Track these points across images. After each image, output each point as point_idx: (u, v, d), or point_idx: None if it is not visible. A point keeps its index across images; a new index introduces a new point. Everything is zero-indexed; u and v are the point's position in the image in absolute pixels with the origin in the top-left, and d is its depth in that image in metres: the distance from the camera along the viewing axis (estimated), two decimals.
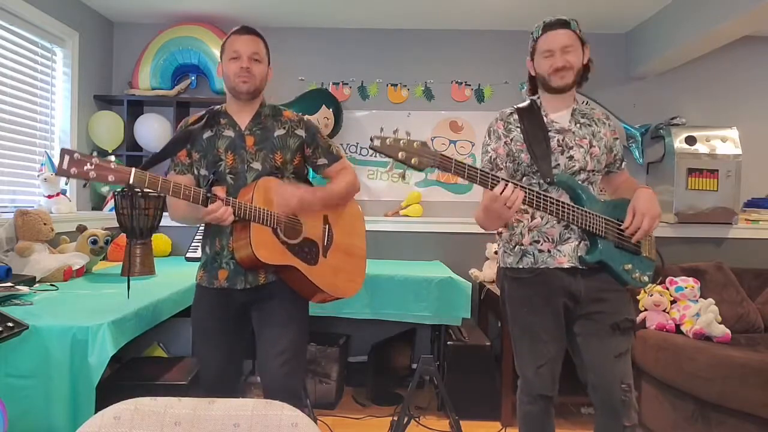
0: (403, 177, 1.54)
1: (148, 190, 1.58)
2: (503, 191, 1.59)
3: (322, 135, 1.97)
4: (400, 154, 1.49)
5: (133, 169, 1.54)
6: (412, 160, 1.50)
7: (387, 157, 1.51)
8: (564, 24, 1.84)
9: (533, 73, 1.94)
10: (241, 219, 1.70)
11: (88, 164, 1.48)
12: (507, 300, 1.97)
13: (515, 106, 1.96)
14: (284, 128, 1.89)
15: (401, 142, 1.49)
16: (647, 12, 3.47)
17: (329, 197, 1.95)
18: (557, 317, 1.87)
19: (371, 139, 1.49)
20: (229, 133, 1.85)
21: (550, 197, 1.72)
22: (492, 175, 1.63)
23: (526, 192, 1.65)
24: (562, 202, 1.74)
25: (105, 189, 3.61)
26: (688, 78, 3.82)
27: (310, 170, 2.04)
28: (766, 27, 3.60)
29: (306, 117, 1.97)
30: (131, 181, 1.53)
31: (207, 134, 1.85)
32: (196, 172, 1.87)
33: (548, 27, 1.85)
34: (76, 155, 1.48)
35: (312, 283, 1.87)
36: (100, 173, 1.49)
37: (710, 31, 2.96)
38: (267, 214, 1.76)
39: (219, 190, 1.69)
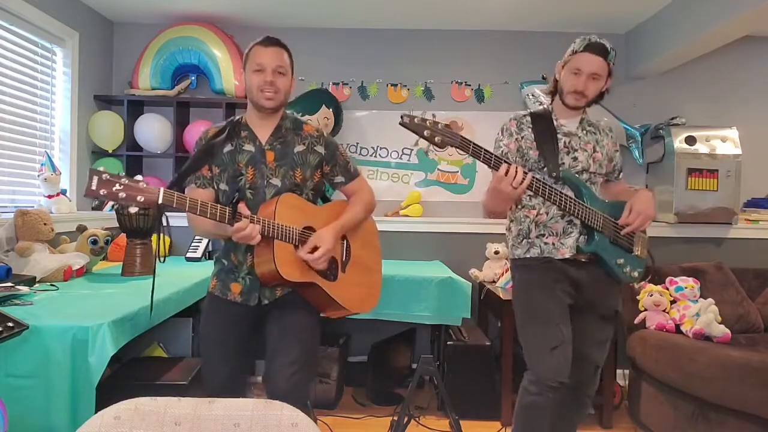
0: (426, 154, 1.66)
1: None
2: (507, 171, 1.73)
3: (342, 152, 1.97)
4: (425, 132, 1.63)
5: (162, 189, 1.54)
6: (436, 139, 1.64)
7: (413, 133, 1.65)
8: (604, 52, 1.93)
9: (558, 78, 2.04)
10: (264, 236, 1.69)
11: (117, 185, 1.46)
12: (519, 285, 2.08)
13: (530, 111, 2.11)
14: (304, 144, 1.88)
15: (427, 122, 1.64)
16: (647, 12, 3.47)
17: (350, 224, 1.94)
18: (565, 302, 1.99)
19: (401, 117, 1.63)
20: (250, 147, 1.83)
21: (555, 188, 1.85)
22: (505, 159, 1.77)
23: (533, 179, 1.78)
24: (565, 194, 1.88)
25: None
26: (688, 78, 3.82)
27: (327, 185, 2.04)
28: (766, 27, 3.60)
29: (325, 133, 1.96)
30: (160, 201, 1.52)
31: (227, 148, 1.83)
32: (216, 186, 1.86)
33: (590, 47, 1.93)
34: (104, 176, 1.45)
35: (332, 299, 1.86)
36: (129, 194, 1.48)
37: (710, 31, 2.96)
38: (289, 231, 1.75)
39: (244, 208, 1.68)
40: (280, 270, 1.70)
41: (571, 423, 2.15)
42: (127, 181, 1.48)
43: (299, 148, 1.87)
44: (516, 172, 1.73)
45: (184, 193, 1.86)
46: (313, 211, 1.88)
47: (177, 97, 3.76)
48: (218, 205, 1.64)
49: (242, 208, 1.67)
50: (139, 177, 1.54)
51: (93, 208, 3.62)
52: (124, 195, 1.47)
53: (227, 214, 1.64)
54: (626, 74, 3.85)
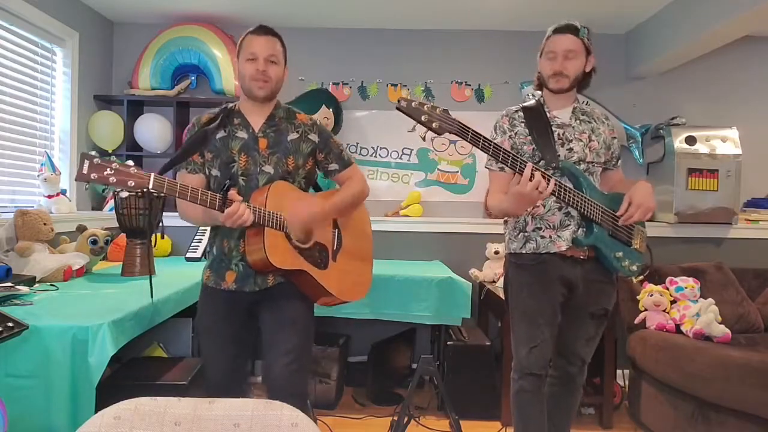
0: (423, 138, 1.66)
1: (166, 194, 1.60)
2: (532, 176, 1.70)
3: (335, 140, 1.98)
4: (423, 117, 1.60)
5: (152, 174, 1.54)
6: (433, 124, 1.62)
7: (410, 118, 1.61)
8: (572, 30, 1.95)
9: (540, 70, 2.05)
10: (254, 223, 1.71)
11: (108, 169, 1.47)
12: (510, 284, 2.09)
13: (521, 105, 2.08)
14: (297, 132, 1.89)
15: (425, 106, 1.61)
16: (647, 12, 3.47)
17: (339, 206, 1.94)
18: (554, 303, 1.99)
19: (398, 101, 1.60)
20: (243, 134, 1.84)
21: (554, 179, 1.81)
22: (504, 150, 1.73)
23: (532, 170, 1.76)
24: (565, 186, 1.84)
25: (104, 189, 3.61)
26: (688, 78, 3.82)
27: (320, 174, 2.05)
28: (766, 27, 3.60)
29: (318, 121, 1.97)
30: (150, 187, 1.53)
31: (220, 134, 1.84)
32: (207, 172, 1.86)
33: (557, 30, 1.97)
34: (96, 160, 1.46)
35: (322, 287, 1.88)
36: (120, 178, 1.49)
37: (710, 31, 2.96)
38: (280, 218, 1.76)
39: (235, 195, 1.69)
40: (270, 257, 1.71)
41: (567, 409, 2.19)
42: (118, 166, 1.49)
43: (293, 136, 1.88)
44: (541, 177, 1.71)
45: (174, 179, 1.87)
46: (305, 199, 1.88)
47: (177, 97, 3.76)
48: (209, 192, 1.65)
49: (233, 194, 1.68)
50: (130, 162, 1.55)
51: (93, 208, 3.62)
52: (115, 179, 1.48)
53: (217, 200, 1.65)
54: (626, 74, 3.85)
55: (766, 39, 3.80)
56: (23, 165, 3.10)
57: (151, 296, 2.08)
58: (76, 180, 1.47)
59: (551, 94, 2.03)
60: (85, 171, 1.45)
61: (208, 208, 1.65)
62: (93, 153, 1.48)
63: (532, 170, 1.71)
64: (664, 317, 2.97)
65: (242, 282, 1.85)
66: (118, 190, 1.50)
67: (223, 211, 1.65)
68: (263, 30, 1.82)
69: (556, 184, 1.79)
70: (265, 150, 1.84)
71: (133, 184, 1.50)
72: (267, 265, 1.74)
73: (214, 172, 1.85)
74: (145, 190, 1.53)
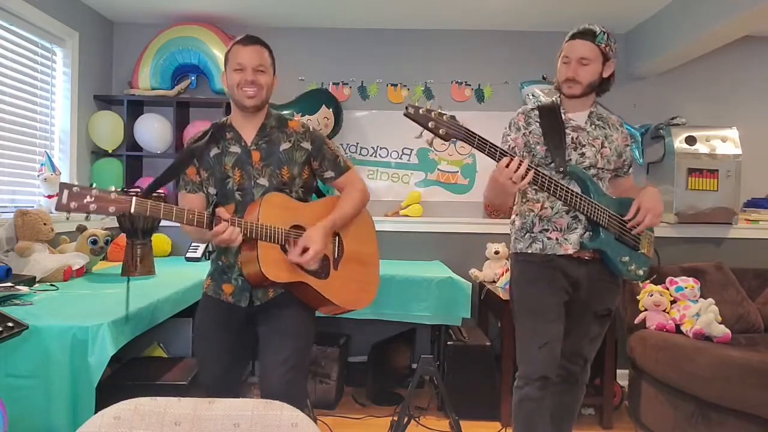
0: (431, 144, 1.71)
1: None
2: (509, 164, 1.71)
3: (329, 146, 1.92)
4: (430, 124, 1.63)
5: (134, 198, 1.52)
6: (440, 131, 1.64)
7: (418, 125, 1.63)
8: (590, 35, 1.93)
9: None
10: (248, 238, 1.68)
11: (88, 197, 1.46)
12: (516, 281, 2.08)
13: (538, 104, 2.09)
14: (290, 141, 1.85)
15: (432, 113, 1.63)
16: (647, 12, 3.47)
17: (343, 219, 1.89)
18: (560, 302, 1.98)
19: (406, 108, 1.62)
20: (236, 149, 1.82)
21: (561, 183, 1.83)
22: (511, 153, 1.75)
23: (538, 174, 1.77)
24: (571, 190, 1.85)
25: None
26: (688, 78, 3.82)
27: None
28: (766, 27, 3.60)
29: (312, 127, 1.92)
30: (132, 211, 1.52)
31: (214, 151, 1.82)
32: (205, 190, 1.85)
33: (575, 35, 1.96)
34: (75, 188, 1.44)
35: (324, 298, 1.84)
36: (100, 205, 1.47)
37: (710, 31, 2.96)
38: (274, 231, 1.72)
39: (223, 212, 1.65)
40: (264, 271, 1.68)
41: (569, 408, 2.18)
42: (98, 193, 1.47)
43: (285, 145, 1.84)
44: (518, 165, 1.69)
45: (177, 198, 1.86)
46: (301, 209, 1.85)
47: (177, 97, 3.75)
48: (195, 210, 1.63)
49: (222, 212, 1.65)
50: (111, 187, 1.52)
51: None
52: (96, 207, 1.46)
53: (205, 218, 1.62)
54: (626, 74, 3.85)
55: (766, 39, 3.80)
56: (23, 165, 3.10)
57: (126, 309, 1.96)
58: (56, 210, 1.46)
59: (568, 99, 2.03)
60: (64, 201, 1.43)
61: (195, 227, 1.63)
62: (73, 183, 1.47)
63: (510, 161, 1.71)
64: (664, 317, 2.97)
65: (239, 296, 1.84)
66: (101, 217, 1.49)
67: (211, 229, 1.62)
68: (250, 40, 1.79)
69: (553, 182, 1.79)
70: (259, 162, 1.81)
71: (113, 209, 1.49)
72: (262, 278, 1.71)
73: (211, 190, 1.83)
74: (127, 215, 1.52)
